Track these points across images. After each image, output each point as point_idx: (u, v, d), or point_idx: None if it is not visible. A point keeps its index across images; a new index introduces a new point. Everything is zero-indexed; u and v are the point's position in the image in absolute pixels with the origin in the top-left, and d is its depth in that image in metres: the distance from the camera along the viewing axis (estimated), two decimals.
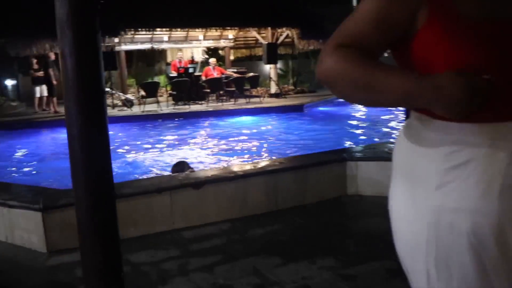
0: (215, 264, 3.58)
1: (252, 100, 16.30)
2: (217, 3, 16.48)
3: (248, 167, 5.07)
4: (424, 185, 1.28)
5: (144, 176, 6.77)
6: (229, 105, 15.31)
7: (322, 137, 10.07)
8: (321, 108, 15.41)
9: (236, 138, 10.26)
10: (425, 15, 1.22)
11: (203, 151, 9.05)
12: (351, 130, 10.85)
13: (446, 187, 1.23)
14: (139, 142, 10.27)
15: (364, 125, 11.57)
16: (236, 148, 9.23)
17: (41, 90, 16.08)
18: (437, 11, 1.21)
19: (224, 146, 9.44)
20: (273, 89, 18.08)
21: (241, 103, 15.74)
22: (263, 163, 5.28)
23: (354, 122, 12.31)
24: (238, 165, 6.45)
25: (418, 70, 1.24)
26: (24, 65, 16.96)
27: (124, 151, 9.39)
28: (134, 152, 9.20)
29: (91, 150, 2.39)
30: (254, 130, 11.30)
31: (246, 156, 8.46)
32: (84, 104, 2.36)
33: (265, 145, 9.34)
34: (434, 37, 1.21)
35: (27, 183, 6.71)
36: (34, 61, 15.96)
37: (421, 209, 1.28)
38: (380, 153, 5.37)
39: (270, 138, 10.26)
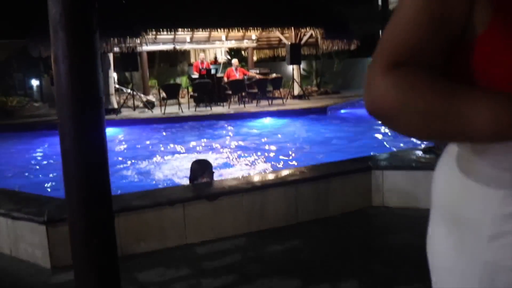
0: (228, 286, 3.30)
1: (275, 102, 16.02)
2: (239, 3, 16.26)
3: (266, 177, 4.78)
4: (475, 233, 0.98)
5: (159, 185, 6.55)
6: (251, 107, 15.04)
7: (346, 141, 9.74)
8: (344, 110, 15.05)
9: (257, 143, 9.98)
10: (488, 13, 0.90)
11: (223, 157, 8.77)
12: (376, 134, 10.44)
13: (504, 238, 0.94)
14: (156, 147, 10.07)
15: None
16: (256, 153, 8.93)
17: None
18: (506, 8, 0.89)
19: (244, 151, 9.16)
20: (296, 90, 17.78)
21: (264, 105, 15.47)
22: (282, 172, 4.98)
23: (379, 126, 11.91)
24: (256, 175, 6.14)
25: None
26: (48, 66, 16.98)
27: (140, 156, 9.17)
28: (150, 157, 8.97)
29: (87, 166, 2.13)
30: (276, 134, 11.00)
31: (267, 162, 8.16)
32: (79, 115, 2.10)
33: (286, 150, 9.04)
34: (501, 44, 0.89)
35: (41, 189, 6.59)
36: None
37: (470, 263, 1.00)
38: (407, 162, 5.03)
39: (292, 142, 9.93)
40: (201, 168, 5.05)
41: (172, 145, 10.07)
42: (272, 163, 8.06)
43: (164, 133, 11.85)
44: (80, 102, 2.08)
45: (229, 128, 12.27)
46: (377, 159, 5.23)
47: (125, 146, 10.46)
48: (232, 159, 8.57)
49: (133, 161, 8.75)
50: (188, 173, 5.06)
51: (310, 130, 11.51)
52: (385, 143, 9.45)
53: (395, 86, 0.87)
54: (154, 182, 7.02)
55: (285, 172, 4.99)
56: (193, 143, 10.21)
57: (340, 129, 11.38)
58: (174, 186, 5.46)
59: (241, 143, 10.08)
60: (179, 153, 9.21)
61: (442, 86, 0.87)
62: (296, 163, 7.69)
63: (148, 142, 10.62)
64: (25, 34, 14.04)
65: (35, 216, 3.64)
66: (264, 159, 8.34)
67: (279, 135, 10.80)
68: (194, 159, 7.96)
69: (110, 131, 12.46)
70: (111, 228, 2.26)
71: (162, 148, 9.84)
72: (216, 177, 5.31)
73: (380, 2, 34.15)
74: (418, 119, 0.87)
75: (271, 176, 4.80)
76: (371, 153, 6.39)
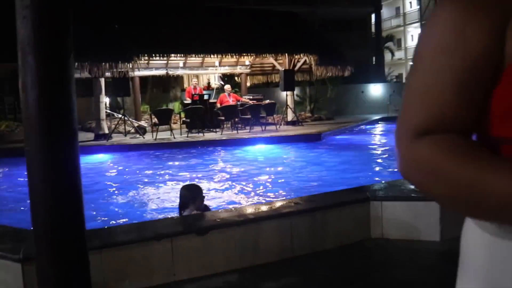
0: None
1: (268, 128, 15.86)
2: (233, 29, 16.22)
3: (260, 209, 4.53)
4: None
5: (147, 215, 6.28)
6: (244, 133, 14.86)
7: (342, 169, 9.48)
8: (339, 137, 14.88)
9: (250, 171, 9.71)
10: None
11: (214, 186, 8.50)
12: (373, 162, 10.20)
13: None
14: (146, 174, 9.77)
15: (386, 156, 10.96)
16: (249, 182, 8.66)
17: None
18: None
19: (237, 180, 8.88)
20: (290, 116, 17.64)
21: (257, 131, 15.30)
22: (276, 204, 4.75)
23: (376, 153, 11.69)
24: (248, 206, 5.82)
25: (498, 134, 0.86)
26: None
27: (129, 183, 8.89)
28: (139, 185, 8.67)
29: (57, 206, 1.89)
30: (269, 161, 10.74)
31: (260, 191, 7.86)
32: (50, 149, 1.86)
33: (280, 179, 8.77)
34: None
35: (23, 221, 6.30)
36: None
37: None
38: (407, 192, 4.81)
39: (286, 170, 9.68)
40: (191, 194, 4.79)
41: (162, 172, 9.81)
42: (266, 192, 7.79)
43: (154, 160, 11.60)
44: (51, 134, 1.85)
45: (222, 154, 12.04)
46: (375, 189, 5.01)
47: (114, 173, 10.21)
48: (223, 188, 8.29)
49: (121, 189, 8.47)
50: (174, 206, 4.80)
51: (304, 157, 11.28)
52: (382, 171, 9.22)
53: (422, 158, 0.86)
54: (142, 212, 6.72)
55: (279, 204, 4.76)
56: (184, 171, 9.95)
57: (335, 156, 11.13)
58: (161, 219, 5.14)
59: (233, 170, 9.83)
60: (170, 180, 8.92)
61: (471, 158, 0.82)
62: (290, 193, 7.41)
63: (137, 169, 10.33)
64: (15, 57, 13.81)
65: (9, 253, 3.37)
66: (257, 188, 8.07)
67: (273, 163, 10.54)
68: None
69: (99, 157, 12.23)
70: (85, 270, 2.01)
71: (152, 176, 9.57)
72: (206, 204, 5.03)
73: (373, 29, 34.45)
74: (446, 190, 0.84)
75: (264, 208, 4.56)
76: (369, 183, 6.19)
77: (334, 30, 28.97)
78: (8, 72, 19.37)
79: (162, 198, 7.61)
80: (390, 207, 4.66)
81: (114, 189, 8.39)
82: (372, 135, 16.06)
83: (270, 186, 8.22)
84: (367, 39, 33.85)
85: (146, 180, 9.08)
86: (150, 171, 10.03)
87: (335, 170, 9.32)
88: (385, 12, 37.16)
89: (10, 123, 17.22)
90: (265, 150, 12.52)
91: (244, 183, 8.50)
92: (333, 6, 30.26)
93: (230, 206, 5.88)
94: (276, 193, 7.69)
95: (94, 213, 6.82)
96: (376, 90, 24.94)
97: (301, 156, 11.45)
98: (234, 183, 8.55)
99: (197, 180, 9.05)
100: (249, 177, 8.98)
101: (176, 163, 10.91)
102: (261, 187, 8.10)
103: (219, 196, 7.65)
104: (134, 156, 12.12)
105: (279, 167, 9.94)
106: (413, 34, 43.48)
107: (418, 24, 41.07)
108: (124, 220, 6.32)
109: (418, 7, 40.99)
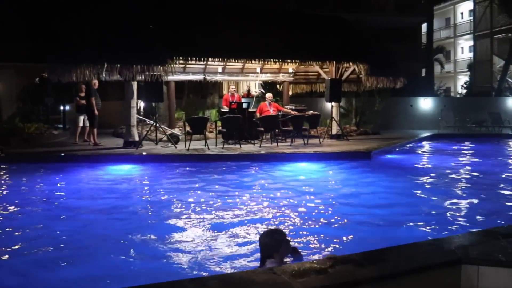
0: None
1: (311, 141, 14.58)
2: (277, 33, 15.03)
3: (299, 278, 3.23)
4: None
5: (180, 260, 5.02)
6: (284, 147, 13.59)
7: (398, 199, 7.99)
8: (391, 156, 13.38)
9: (289, 194, 8.39)
10: None
11: (247, 210, 7.24)
12: (440, 193, 8.41)
13: None
14: (175, 192, 8.53)
15: (459, 186, 9.34)
16: (287, 208, 7.29)
17: (84, 120, 15.02)
18: None
19: (273, 205, 7.56)
20: (335, 129, 16.31)
21: (298, 144, 14.04)
22: (326, 266, 3.43)
23: (442, 180, 9.89)
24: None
25: None
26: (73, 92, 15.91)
27: (157, 205, 7.73)
28: (167, 208, 7.48)
29: None
30: (312, 183, 9.34)
31: (298, 222, 6.51)
32: None
33: (324, 208, 7.36)
34: None
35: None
36: (82, 87, 14.95)
37: None
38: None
39: (331, 195, 8.27)
40: (275, 242, 3.99)
41: (192, 192, 8.56)
42: (306, 223, 6.47)
43: (185, 174, 10.46)
44: None
45: (259, 172, 10.72)
46: (466, 246, 3.66)
47: (139, 191, 9.01)
48: (257, 217, 6.99)
49: (148, 211, 7.36)
50: (218, 238, 3.65)
51: (352, 179, 9.81)
52: (455, 208, 7.55)
53: None
54: (171, 254, 5.35)
55: (329, 266, 3.43)
56: (216, 189, 8.75)
57: (388, 181, 9.65)
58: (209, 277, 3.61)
59: (271, 192, 8.52)
60: (197, 205, 7.67)
61: None
62: (337, 232, 6.01)
63: (165, 186, 9.18)
64: (45, 58, 13.04)
65: None
66: (295, 218, 6.72)
67: (316, 185, 9.16)
68: (209, 217, 6.51)
69: (126, 168, 11.18)
70: None
71: (181, 194, 8.37)
72: None
73: (423, 40, 32.71)
74: None
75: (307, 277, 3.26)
76: (444, 226, 4.83)
77: (381, 39, 27.64)
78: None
79: (193, 224, 6.41)
80: (490, 275, 3.33)
81: (133, 215, 7.22)
82: (428, 155, 14.42)
83: (311, 216, 6.86)
84: (417, 50, 32.15)
85: (175, 201, 7.88)
86: (179, 187, 8.89)
87: (391, 201, 7.82)
88: (435, 23, 35.33)
89: (40, 126, 16.48)
90: (307, 168, 11.18)
91: (281, 210, 7.22)
92: (381, 15, 28.82)
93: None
94: (318, 225, 6.37)
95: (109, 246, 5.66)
96: (425, 104, 23.35)
97: (348, 178, 10.02)
98: (269, 209, 7.30)
99: (229, 200, 7.85)
100: (288, 203, 7.67)
101: (208, 180, 9.64)
102: (300, 218, 6.75)
103: (251, 225, 6.40)
104: (163, 168, 11.02)
105: (322, 192, 8.57)
106: (463, 47, 41.44)
107: (469, 36, 39.04)
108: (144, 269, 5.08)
109: (471, 18, 38.96)
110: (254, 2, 17.38)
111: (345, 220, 6.69)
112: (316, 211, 7.25)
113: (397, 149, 14.42)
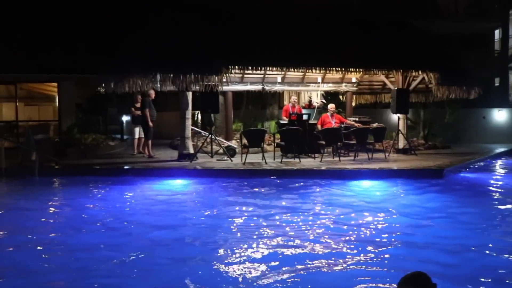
0: None
1: (376, 155, 13.59)
2: (340, 40, 14.17)
3: None
4: None
5: None
6: (347, 162, 12.66)
7: (481, 228, 6.89)
8: (466, 175, 12.06)
9: (351, 216, 7.54)
10: None
11: (304, 235, 6.44)
12: None
13: None
14: (230, 213, 7.88)
15: None
16: (349, 234, 6.49)
17: (140, 131, 14.70)
18: None
19: (333, 229, 6.78)
20: (402, 143, 15.19)
21: (362, 159, 13.08)
22: None
23: None
24: None
25: None
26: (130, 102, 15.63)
27: (209, 227, 7.10)
28: (221, 230, 6.85)
29: None
30: (377, 205, 8.33)
31: (361, 253, 5.67)
32: None
33: (392, 236, 6.46)
34: None
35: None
36: (138, 98, 14.65)
37: None
38: None
39: (400, 221, 7.26)
40: None
41: (249, 213, 7.85)
42: (372, 257, 5.62)
43: (240, 191, 9.76)
44: None
45: (319, 189, 9.88)
46: None
47: (192, 208, 8.40)
48: (315, 240, 6.23)
49: (199, 234, 6.71)
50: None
51: (423, 201, 8.70)
52: None
53: None
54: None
55: None
56: (272, 208, 8.01)
57: (466, 204, 8.48)
58: None
59: (331, 214, 7.69)
60: (262, 226, 6.94)
61: None
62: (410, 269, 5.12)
63: (219, 203, 8.56)
64: (100, 69, 12.80)
65: None
66: (358, 248, 5.88)
67: (381, 207, 8.14)
68: (265, 244, 5.81)
69: (178, 183, 10.62)
70: None
71: (236, 214, 7.72)
72: None
73: (499, 47, 30.72)
74: None
75: None
76: None
77: (451, 46, 26.12)
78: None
79: (246, 257, 5.68)
80: None
81: (186, 238, 6.60)
82: (509, 174, 12.95)
83: (378, 246, 5.99)
84: (490, 58, 30.23)
85: (229, 222, 7.23)
86: (230, 209, 8.17)
87: (473, 231, 6.76)
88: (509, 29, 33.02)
89: (98, 137, 16.33)
90: (372, 186, 10.22)
91: (341, 236, 6.38)
92: (451, 21, 27.25)
93: None
94: (388, 260, 5.48)
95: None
96: (500, 116, 21.64)
97: (418, 199, 8.90)
98: (329, 235, 6.47)
99: (284, 224, 7.08)
100: (349, 227, 6.84)
101: (262, 199, 8.86)
102: (363, 248, 5.88)
103: (307, 252, 5.60)
104: (217, 184, 10.37)
105: (389, 215, 7.65)
106: None
107: None
108: None
109: None
110: (315, 7, 16.49)
111: (414, 249, 5.77)
112: (376, 235, 6.36)
113: (471, 166, 13.13)
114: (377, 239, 6.36)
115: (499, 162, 14.71)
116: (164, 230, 6.88)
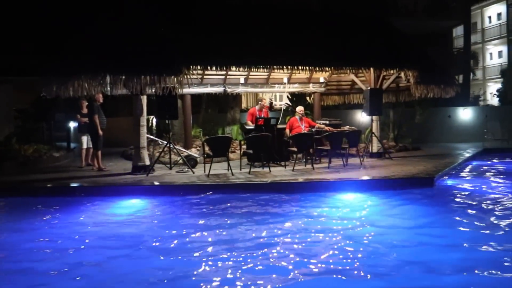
0: None
1: (350, 161, 12.46)
2: (307, 35, 12.97)
3: None
4: None
5: None
6: (322, 170, 11.42)
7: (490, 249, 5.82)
8: (453, 182, 10.82)
9: (335, 238, 6.30)
10: None
11: (279, 261, 5.12)
12: None
13: None
14: (192, 240, 6.51)
15: None
16: (333, 264, 5.26)
17: (88, 141, 13.05)
18: None
19: (313, 256, 5.51)
20: (375, 146, 14.14)
21: (337, 166, 11.94)
22: None
23: None
24: None
25: None
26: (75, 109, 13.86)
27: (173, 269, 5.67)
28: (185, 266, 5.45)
29: None
30: (366, 229, 7.02)
31: None
32: None
33: (388, 267, 5.27)
34: None
35: None
36: (83, 103, 13.01)
37: None
38: None
39: (393, 243, 6.13)
40: None
41: (213, 239, 6.51)
42: None
43: (206, 211, 8.30)
44: None
45: (295, 205, 8.54)
46: None
47: (149, 240, 6.94)
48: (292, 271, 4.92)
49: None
50: None
51: (418, 218, 7.51)
52: None
53: None
54: None
55: None
56: (242, 232, 6.66)
57: (469, 221, 7.37)
58: None
59: (311, 235, 6.43)
60: (228, 257, 5.62)
61: None
62: None
63: (181, 231, 7.10)
64: (34, 71, 11.15)
65: None
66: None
67: (373, 232, 6.89)
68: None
69: (133, 203, 9.10)
70: None
71: (201, 245, 6.31)
72: None
73: (456, 45, 30.42)
74: None
75: None
76: None
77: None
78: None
79: None
80: None
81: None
82: (498, 178, 11.49)
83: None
84: (449, 57, 29.87)
85: (194, 254, 5.81)
86: (198, 233, 6.77)
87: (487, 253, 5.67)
88: (459, 28, 32.84)
89: (39, 147, 14.54)
90: (355, 201, 8.93)
91: (326, 264, 5.08)
92: (410, 20, 26.67)
93: None
94: None
95: None
96: (465, 115, 21.04)
97: (411, 215, 7.69)
98: (311, 262, 5.16)
99: (260, 252, 5.72)
100: (333, 255, 5.56)
101: (228, 221, 7.44)
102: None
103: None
104: (180, 203, 8.91)
105: (383, 242, 6.41)
106: (492, 52, 38.86)
107: (499, 41, 36.57)
108: None
109: (499, 22, 36.47)
110: (278, 2, 15.19)
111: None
112: (367, 270, 5.08)
113: (457, 170, 12.16)
114: (375, 269, 5.09)
115: (481, 164, 13.73)
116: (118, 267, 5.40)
